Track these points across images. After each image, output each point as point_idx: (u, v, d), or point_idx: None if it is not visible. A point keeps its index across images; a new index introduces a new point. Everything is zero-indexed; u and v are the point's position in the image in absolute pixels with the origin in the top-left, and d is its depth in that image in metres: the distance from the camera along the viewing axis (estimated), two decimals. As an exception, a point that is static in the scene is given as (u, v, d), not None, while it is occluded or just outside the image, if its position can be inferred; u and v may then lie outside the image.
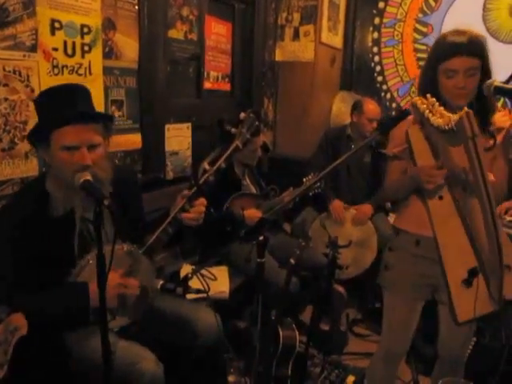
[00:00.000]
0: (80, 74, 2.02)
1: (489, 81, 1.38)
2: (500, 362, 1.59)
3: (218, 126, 2.71)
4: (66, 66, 1.95)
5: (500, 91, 1.37)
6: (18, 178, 1.83)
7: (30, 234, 1.41)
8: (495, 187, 1.50)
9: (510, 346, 1.68)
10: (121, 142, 2.33)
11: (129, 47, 2.29)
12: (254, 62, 3.49)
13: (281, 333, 2.09)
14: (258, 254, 1.60)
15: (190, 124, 2.83)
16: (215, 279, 2.31)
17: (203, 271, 2.24)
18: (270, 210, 2.49)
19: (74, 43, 1.97)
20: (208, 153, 2.58)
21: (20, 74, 1.78)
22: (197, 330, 1.67)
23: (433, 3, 3.78)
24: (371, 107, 3.02)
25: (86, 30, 2.02)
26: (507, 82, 1.93)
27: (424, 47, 3.84)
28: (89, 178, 1.31)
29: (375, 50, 4.05)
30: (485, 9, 3.61)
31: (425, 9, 3.82)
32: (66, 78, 1.93)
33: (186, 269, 2.38)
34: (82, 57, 2.02)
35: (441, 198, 1.50)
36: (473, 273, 1.43)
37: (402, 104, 3.99)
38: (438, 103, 1.39)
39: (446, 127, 1.31)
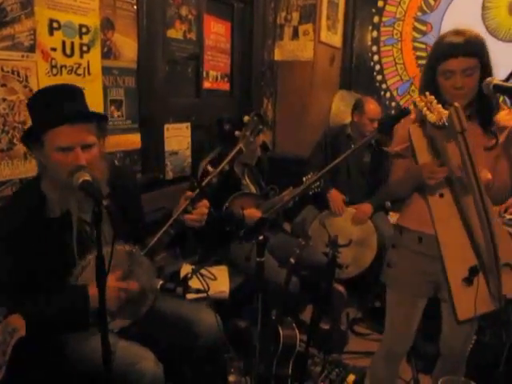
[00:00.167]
0: (79, 74, 2.02)
1: (488, 79, 1.38)
2: (500, 360, 1.59)
3: (217, 125, 2.71)
4: (65, 66, 1.95)
5: (499, 89, 1.37)
6: (17, 179, 1.82)
7: (28, 236, 1.41)
8: (498, 187, 1.51)
9: (511, 345, 1.68)
10: (120, 142, 2.33)
11: (127, 47, 2.29)
12: (253, 62, 3.49)
13: (281, 332, 2.08)
14: (258, 254, 1.60)
15: (189, 124, 2.82)
16: (215, 279, 2.31)
17: (203, 271, 2.23)
18: (270, 210, 2.49)
19: (72, 43, 1.97)
20: (207, 152, 2.59)
21: (18, 75, 1.78)
22: (197, 330, 1.67)
23: (432, 2, 3.79)
24: (372, 107, 3.00)
25: (84, 29, 2.01)
26: (507, 80, 1.93)
27: (423, 46, 3.85)
28: (88, 178, 1.31)
29: (374, 48, 4.05)
30: (484, 7, 3.61)
31: (424, 7, 3.82)
32: (64, 79, 1.93)
33: (185, 269, 2.37)
34: (81, 57, 2.02)
35: (441, 195, 1.51)
36: (473, 271, 1.44)
37: (401, 103, 3.99)
38: (435, 101, 1.40)
39: (440, 123, 1.33)
